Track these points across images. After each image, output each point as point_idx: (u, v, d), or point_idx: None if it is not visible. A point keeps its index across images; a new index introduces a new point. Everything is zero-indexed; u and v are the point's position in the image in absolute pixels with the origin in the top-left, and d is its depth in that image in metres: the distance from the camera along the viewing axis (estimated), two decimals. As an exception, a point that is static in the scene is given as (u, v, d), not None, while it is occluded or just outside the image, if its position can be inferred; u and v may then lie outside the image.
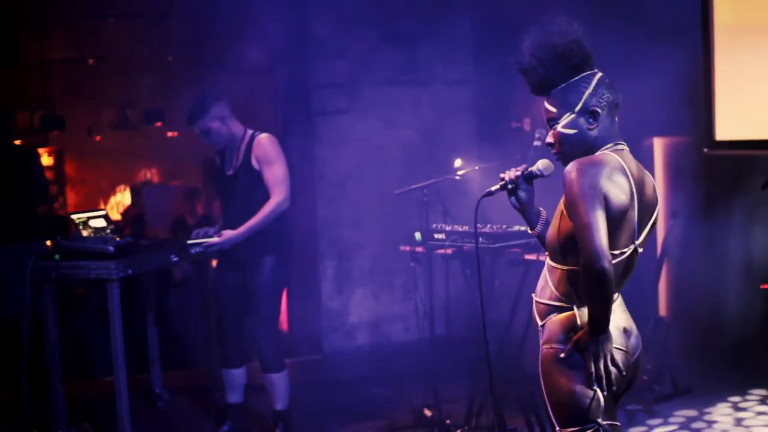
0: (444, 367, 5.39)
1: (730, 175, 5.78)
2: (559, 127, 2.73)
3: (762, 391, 5.45)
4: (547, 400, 2.70)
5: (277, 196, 4.74)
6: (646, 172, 2.75)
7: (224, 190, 4.92)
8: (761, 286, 5.53)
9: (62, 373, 4.91)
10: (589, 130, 2.71)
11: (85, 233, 4.93)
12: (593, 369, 2.60)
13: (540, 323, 2.78)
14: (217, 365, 5.23)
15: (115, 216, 10.44)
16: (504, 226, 4.53)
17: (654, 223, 2.74)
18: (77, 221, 4.96)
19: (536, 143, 4.30)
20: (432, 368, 5.11)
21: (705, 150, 5.63)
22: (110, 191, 12.17)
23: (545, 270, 2.80)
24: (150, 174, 12.26)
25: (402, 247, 5.10)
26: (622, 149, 2.72)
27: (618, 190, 2.59)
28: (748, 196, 5.66)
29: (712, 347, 5.84)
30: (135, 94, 11.12)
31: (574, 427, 2.64)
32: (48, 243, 5.57)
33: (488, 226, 4.57)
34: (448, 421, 4.88)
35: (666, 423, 5.09)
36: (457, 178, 4.92)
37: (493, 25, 6.52)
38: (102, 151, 11.75)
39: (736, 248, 5.77)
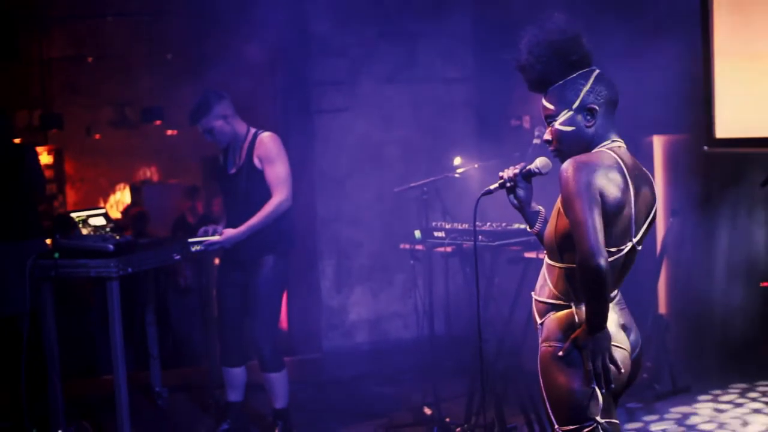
0: (443, 365, 5.39)
1: (731, 172, 5.77)
2: (557, 125, 2.73)
3: (762, 388, 5.46)
4: (546, 398, 2.70)
5: (279, 195, 4.73)
6: (644, 169, 2.75)
7: (226, 188, 4.91)
8: (761, 284, 5.53)
9: (61, 371, 4.91)
10: (587, 127, 2.71)
11: (84, 232, 4.93)
12: (591, 367, 2.60)
13: (539, 321, 2.78)
14: (217, 363, 5.23)
15: (115, 214, 10.43)
16: (503, 224, 4.53)
17: (652, 221, 2.74)
18: (77, 220, 4.96)
19: (536, 141, 4.32)
20: (431, 366, 5.11)
21: (705, 148, 5.63)
22: (110, 190, 12.18)
23: (544, 268, 2.81)
24: (149, 172, 12.26)
25: (401, 245, 5.10)
26: (620, 146, 2.72)
27: (614, 187, 2.59)
28: (748, 194, 5.66)
29: (711, 345, 5.84)
30: (134, 93, 11.11)
31: (572, 424, 2.64)
32: (47, 241, 5.57)
33: (488, 224, 4.57)
34: (447, 420, 4.88)
35: (662, 419, 5.10)
36: (457, 176, 4.92)
37: (492, 22, 6.52)
38: (101, 149, 11.75)
39: (735, 246, 5.77)
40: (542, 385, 2.71)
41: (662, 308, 6.03)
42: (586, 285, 2.55)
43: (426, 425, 5.01)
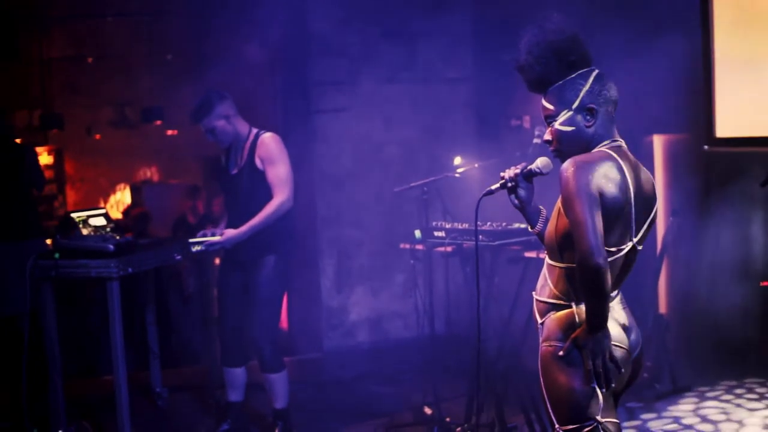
0: (444, 365, 5.39)
1: (732, 171, 5.77)
2: (557, 125, 2.73)
3: (762, 388, 5.46)
4: (546, 397, 2.71)
5: (280, 196, 4.73)
6: (644, 168, 2.76)
7: (228, 188, 4.92)
8: (761, 284, 5.53)
9: (62, 371, 4.91)
10: (587, 127, 2.71)
11: (85, 232, 4.93)
12: (592, 366, 2.60)
13: (539, 321, 2.78)
14: (218, 364, 5.23)
15: (116, 215, 10.43)
16: (504, 224, 4.53)
17: (653, 221, 2.74)
18: (77, 220, 4.96)
19: (536, 141, 4.33)
20: (432, 366, 5.11)
21: (705, 147, 5.63)
22: (110, 190, 12.18)
23: (544, 268, 2.81)
24: (149, 172, 12.27)
25: (402, 245, 5.10)
26: (620, 146, 2.72)
27: (614, 187, 2.60)
28: (748, 193, 5.66)
29: (711, 345, 5.84)
30: (134, 93, 11.12)
31: (573, 424, 2.64)
32: (48, 241, 5.57)
33: (488, 223, 4.57)
34: (447, 419, 4.88)
35: (659, 417, 5.10)
36: (457, 175, 4.92)
37: (492, 22, 6.52)
38: (101, 149, 11.75)
39: (736, 245, 5.77)
40: (543, 384, 2.71)
41: (662, 308, 6.03)
42: (586, 284, 2.55)
43: (426, 425, 5.00)
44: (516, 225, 4.48)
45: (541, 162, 2.84)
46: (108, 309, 4.66)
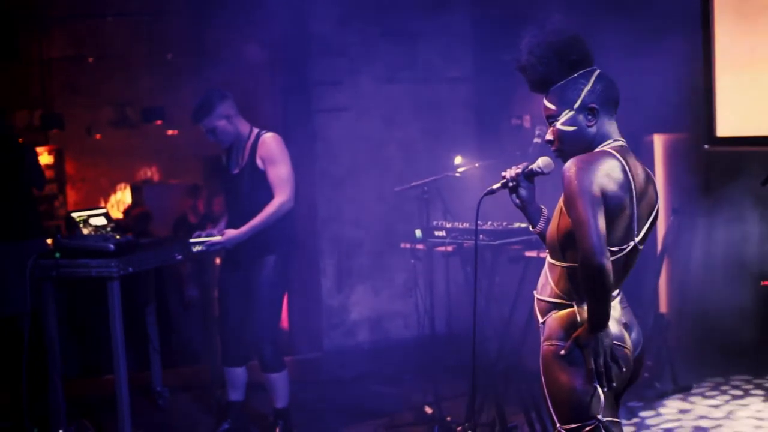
0: (444, 365, 5.39)
1: (732, 170, 5.77)
2: (559, 125, 2.73)
3: (763, 387, 5.46)
4: (547, 396, 2.70)
5: (281, 196, 4.73)
6: (646, 168, 2.76)
7: (229, 188, 4.91)
8: (761, 283, 5.53)
9: (62, 371, 4.91)
10: (588, 127, 2.71)
11: (85, 231, 4.93)
12: (593, 365, 2.60)
13: (541, 320, 2.78)
14: (218, 363, 5.23)
15: (116, 215, 10.44)
16: (504, 223, 4.53)
17: (654, 220, 2.74)
18: (78, 219, 4.96)
19: (536, 140, 4.33)
20: (432, 365, 5.11)
21: (705, 146, 5.63)
22: (110, 190, 12.18)
23: (545, 267, 2.81)
24: (150, 172, 12.26)
25: (402, 245, 5.10)
26: (622, 145, 2.72)
27: (616, 186, 2.60)
28: (748, 192, 5.66)
29: (712, 344, 5.84)
30: (134, 93, 11.12)
31: (574, 423, 2.64)
32: (48, 241, 5.57)
33: (488, 223, 4.57)
34: (448, 418, 4.88)
35: (660, 416, 5.11)
36: (457, 175, 4.92)
37: (492, 21, 6.52)
38: (102, 149, 11.75)
39: (736, 245, 5.77)
40: (544, 383, 2.71)
41: (663, 307, 6.03)
42: (588, 284, 2.55)
43: (427, 424, 5.00)
44: (517, 224, 4.48)
45: (542, 161, 2.84)
46: (108, 309, 4.66)
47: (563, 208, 2.67)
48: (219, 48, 7.55)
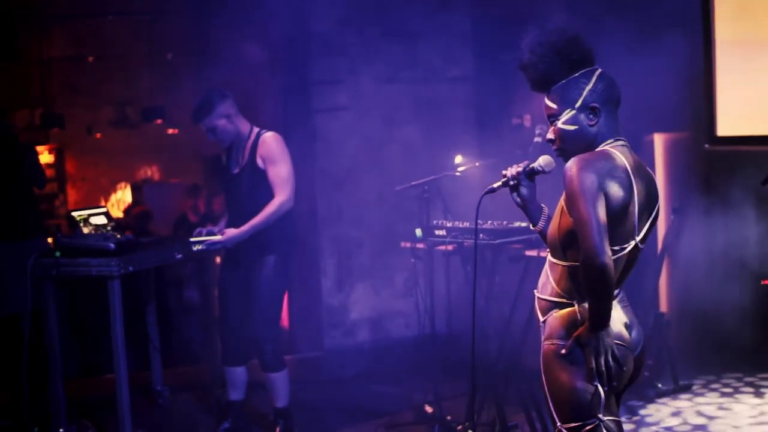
0: (445, 364, 5.39)
1: (733, 170, 5.77)
2: (560, 124, 2.74)
3: (763, 386, 5.46)
4: (548, 395, 2.71)
5: (281, 195, 4.73)
6: (647, 167, 2.76)
7: (229, 188, 4.91)
8: (762, 282, 5.53)
9: (63, 370, 4.91)
10: (590, 126, 2.72)
11: (86, 230, 4.93)
12: (594, 364, 2.60)
13: (541, 319, 2.78)
14: (219, 363, 5.23)
15: (117, 214, 10.44)
16: (504, 223, 4.53)
17: (655, 219, 2.75)
18: (78, 219, 4.96)
19: (537, 139, 4.33)
20: (433, 365, 5.11)
21: (706, 146, 5.63)
22: (111, 189, 12.18)
23: (546, 266, 2.81)
24: (150, 172, 12.27)
25: (402, 244, 5.10)
26: (623, 145, 2.72)
27: (618, 185, 2.60)
28: (748, 192, 5.66)
29: (712, 343, 5.84)
30: (135, 92, 11.12)
31: (575, 422, 2.64)
32: (49, 240, 5.57)
33: (489, 222, 4.57)
34: (448, 418, 4.88)
35: (658, 413, 5.11)
36: (458, 174, 4.92)
37: (492, 21, 6.52)
38: (102, 148, 11.75)
39: (736, 244, 5.77)
40: (545, 382, 2.71)
41: (663, 306, 6.03)
42: (590, 283, 2.55)
43: (427, 424, 5.01)
44: (517, 224, 4.48)
45: (543, 160, 2.84)
46: (109, 308, 4.66)
47: (564, 207, 2.68)
48: (219, 47, 7.54)
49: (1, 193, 5.74)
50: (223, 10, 7.13)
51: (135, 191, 11.58)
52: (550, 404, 2.70)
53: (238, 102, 4.88)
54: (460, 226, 4.66)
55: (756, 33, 5.32)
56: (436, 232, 4.76)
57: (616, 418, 2.70)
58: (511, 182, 2.90)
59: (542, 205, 2.94)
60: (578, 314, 2.68)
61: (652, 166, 6.02)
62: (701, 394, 5.41)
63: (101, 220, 5.05)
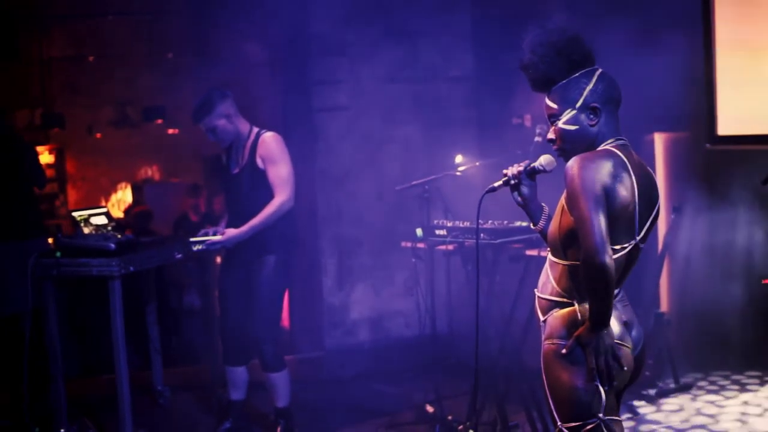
0: (445, 364, 5.39)
1: (733, 169, 5.77)
2: (561, 124, 2.74)
3: (763, 385, 5.46)
4: (549, 395, 2.71)
5: (281, 195, 4.73)
6: (647, 167, 2.76)
7: (229, 188, 4.91)
8: (762, 281, 5.53)
9: (64, 370, 4.91)
10: (590, 126, 2.72)
11: (86, 230, 4.93)
12: (594, 364, 2.60)
13: (542, 319, 2.78)
14: (219, 362, 5.23)
15: (117, 214, 10.44)
16: (505, 222, 4.53)
17: (655, 219, 2.75)
18: (78, 219, 4.96)
19: (537, 139, 4.33)
20: (433, 364, 5.11)
21: (707, 145, 5.63)
22: (111, 189, 12.18)
23: (546, 265, 2.81)
24: (150, 171, 12.27)
25: (403, 243, 5.10)
26: (624, 144, 2.73)
27: (619, 185, 2.60)
28: (749, 191, 5.66)
29: (713, 342, 5.84)
30: (135, 92, 11.12)
31: (575, 422, 2.65)
32: (49, 240, 5.57)
33: (489, 222, 4.57)
34: (449, 417, 4.88)
35: (659, 412, 5.11)
36: (458, 174, 4.92)
37: (493, 21, 6.51)
38: (102, 148, 11.75)
39: (737, 243, 5.77)
40: (545, 382, 2.71)
41: (664, 306, 6.03)
42: (590, 282, 2.55)
43: (428, 423, 5.01)
44: (518, 223, 4.48)
45: (544, 159, 2.84)
46: (109, 308, 4.66)
47: (565, 206, 2.68)
48: (220, 47, 7.55)
49: (1, 193, 5.73)
50: (224, 10, 7.13)
51: (135, 191, 11.57)
52: (551, 404, 2.70)
53: (238, 102, 4.88)
54: (461, 225, 4.66)
55: (757, 32, 5.31)
56: (437, 232, 4.76)
57: (617, 418, 2.70)
58: (512, 181, 2.90)
59: (543, 204, 2.94)
60: (578, 314, 2.68)
61: (653, 165, 6.02)
62: (702, 393, 5.41)
63: (102, 220, 5.05)
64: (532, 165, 2.87)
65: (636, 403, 5.19)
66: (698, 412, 5.11)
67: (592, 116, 2.71)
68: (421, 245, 4.89)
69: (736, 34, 5.41)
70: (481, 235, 4.44)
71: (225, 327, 4.96)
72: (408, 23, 6.65)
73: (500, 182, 2.92)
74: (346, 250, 6.66)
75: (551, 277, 2.76)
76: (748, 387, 5.49)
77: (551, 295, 2.75)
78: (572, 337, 2.64)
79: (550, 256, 2.80)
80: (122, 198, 12.06)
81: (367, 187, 6.58)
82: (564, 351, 2.65)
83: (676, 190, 5.94)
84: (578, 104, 2.71)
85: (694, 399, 5.33)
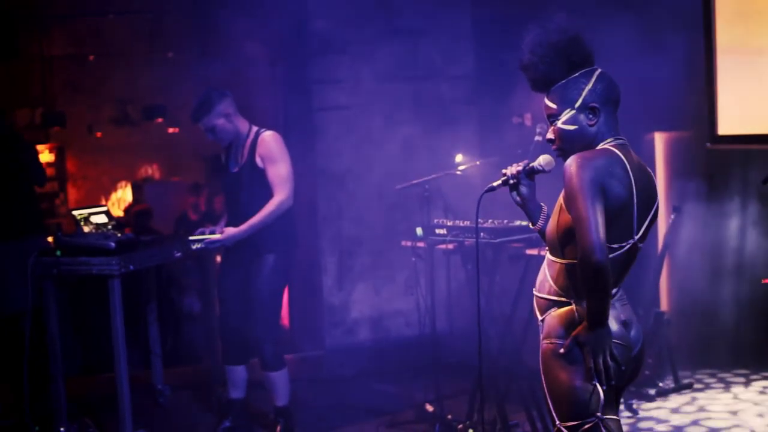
0: (445, 363, 5.39)
1: (734, 169, 5.77)
2: (560, 124, 2.74)
3: (764, 384, 5.46)
4: (547, 394, 2.71)
5: (280, 194, 4.73)
6: (646, 166, 2.76)
7: (229, 187, 4.91)
8: (762, 281, 5.52)
9: (64, 369, 4.91)
10: (589, 126, 2.72)
11: (86, 229, 4.92)
12: (592, 363, 2.60)
13: (540, 318, 2.78)
14: (219, 361, 5.23)
15: (117, 212, 10.44)
16: (505, 221, 4.53)
17: (653, 218, 2.75)
18: (78, 217, 4.96)
19: (537, 138, 4.33)
20: (433, 363, 5.11)
21: (707, 145, 5.62)
22: (111, 187, 12.18)
23: (544, 264, 2.82)
24: (151, 170, 12.27)
25: (403, 243, 5.10)
26: (623, 143, 2.73)
27: (617, 183, 2.61)
28: (749, 191, 5.66)
29: (712, 342, 5.84)
30: (135, 91, 11.11)
31: (573, 421, 2.65)
32: (49, 239, 5.56)
33: (489, 221, 4.57)
34: (449, 417, 4.88)
35: (658, 410, 5.11)
36: (458, 173, 4.92)
37: (493, 20, 6.51)
38: (103, 147, 11.75)
39: (737, 243, 5.77)
40: (544, 381, 2.72)
41: (664, 305, 6.02)
42: (587, 281, 2.55)
43: (428, 422, 5.01)
44: (518, 222, 4.48)
45: (543, 159, 2.84)
46: (109, 307, 4.66)
47: (563, 205, 2.68)
48: (220, 46, 7.54)
49: (1, 192, 5.73)
50: (224, 9, 7.13)
51: (136, 190, 11.57)
52: (550, 403, 2.70)
53: (238, 101, 4.88)
54: (461, 224, 4.66)
55: (757, 32, 5.31)
56: (437, 231, 4.76)
57: (615, 417, 2.70)
58: (511, 181, 2.90)
59: (541, 203, 2.94)
60: (576, 313, 2.68)
61: (653, 164, 6.02)
62: (702, 393, 5.41)
63: (102, 218, 5.04)
64: (530, 165, 2.87)
65: (635, 402, 5.19)
66: (698, 412, 5.10)
67: (591, 116, 2.71)
68: (421, 244, 4.89)
69: (736, 33, 5.41)
70: (481, 234, 4.44)
71: (224, 326, 4.96)
72: (408, 22, 6.65)
73: (499, 182, 2.92)
74: (346, 249, 6.66)
75: (549, 276, 2.76)
76: (748, 386, 5.49)
77: (549, 294, 2.75)
78: (570, 337, 2.64)
79: (548, 255, 2.80)
80: (122, 197, 12.06)
81: (367, 186, 6.58)
82: (562, 350, 2.65)
83: (677, 189, 5.93)
84: (577, 104, 2.71)
85: (694, 398, 5.33)
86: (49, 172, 9.76)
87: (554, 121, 2.76)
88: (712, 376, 5.69)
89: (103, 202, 11.50)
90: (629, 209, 2.64)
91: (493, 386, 4.67)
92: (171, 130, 11.08)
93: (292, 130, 6.43)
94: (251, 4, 6.21)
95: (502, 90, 6.19)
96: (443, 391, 5.02)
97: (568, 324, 2.68)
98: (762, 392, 5.37)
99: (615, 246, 2.64)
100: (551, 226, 2.77)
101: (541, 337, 2.75)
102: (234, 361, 4.94)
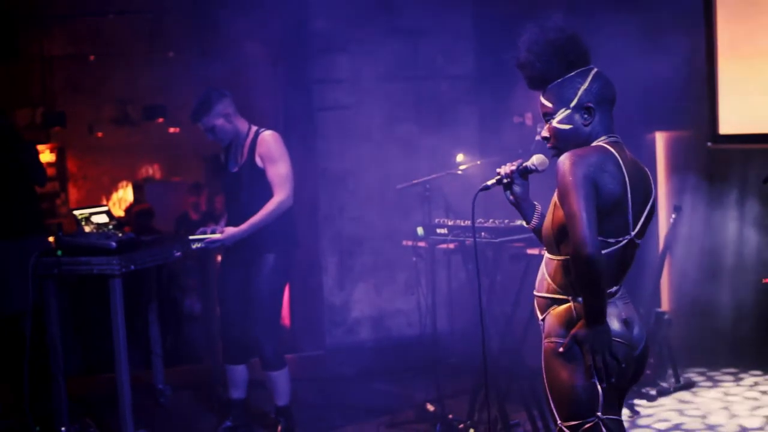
0: (446, 362, 5.39)
1: (735, 168, 5.77)
2: (555, 122, 2.75)
3: (764, 384, 5.46)
4: (548, 393, 2.71)
5: (280, 194, 4.73)
6: (640, 163, 2.77)
7: (228, 187, 4.91)
8: (763, 281, 5.53)
9: (65, 369, 4.91)
10: (584, 125, 2.73)
11: (87, 229, 4.92)
12: (591, 361, 2.60)
13: (540, 317, 2.78)
14: (220, 361, 5.23)
15: (118, 212, 10.44)
16: (506, 221, 4.53)
17: (650, 214, 2.75)
18: (79, 217, 4.96)
19: (538, 138, 4.31)
20: (434, 363, 5.11)
21: (708, 144, 5.62)
22: (112, 187, 12.18)
23: (542, 263, 2.82)
24: (151, 170, 12.27)
25: (404, 242, 5.10)
26: (616, 141, 2.73)
27: (610, 179, 2.61)
28: (750, 190, 5.65)
29: (713, 341, 5.84)
30: (136, 91, 11.12)
31: (574, 420, 2.64)
32: (50, 239, 5.56)
33: (490, 220, 4.57)
34: (450, 416, 4.88)
35: (659, 411, 5.11)
36: (459, 172, 4.92)
37: (494, 19, 6.51)
38: (103, 147, 11.76)
39: (738, 242, 5.77)
40: (545, 380, 2.72)
41: (665, 305, 6.02)
42: (580, 276, 2.56)
43: (429, 422, 5.01)
44: (518, 222, 4.47)
45: (536, 159, 2.85)
46: (110, 307, 4.66)
47: (557, 202, 2.69)
48: (220, 46, 7.55)
49: (2, 192, 5.73)
50: (224, 9, 7.13)
51: (136, 190, 11.58)
52: (551, 402, 2.70)
53: (238, 101, 4.88)
54: (462, 224, 4.66)
55: (758, 32, 5.31)
56: (438, 231, 4.76)
57: (616, 417, 2.69)
58: (505, 180, 2.91)
59: (535, 203, 2.95)
60: (574, 310, 2.68)
61: (654, 164, 6.02)
62: (703, 392, 5.41)
63: (103, 218, 5.04)
64: (524, 164, 2.89)
65: (636, 401, 5.19)
66: (699, 411, 5.10)
67: (586, 116, 2.72)
68: (422, 244, 4.89)
69: (737, 33, 5.41)
70: (482, 233, 4.44)
71: (225, 325, 4.96)
72: (409, 22, 6.65)
73: (493, 181, 2.93)
74: (347, 248, 6.66)
75: (547, 274, 2.77)
76: (749, 386, 5.49)
77: (547, 292, 2.75)
78: (569, 336, 2.64)
79: (545, 254, 2.81)
80: (123, 196, 12.07)
81: (367, 185, 6.58)
82: (561, 349, 2.65)
83: (678, 188, 5.93)
84: (573, 103, 2.72)
85: (694, 398, 5.33)
86: (50, 172, 9.76)
87: (550, 120, 2.76)
88: (713, 375, 5.69)
89: (104, 202, 11.51)
90: (623, 205, 2.65)
91: (494, 385, 4.67)
92: (171, 130, 11.08)
93: (293, 130, 6.43)
94: (251, 4, 6.21)
95: (502, 89, 6.19)
96: (444, 391, 5.02)
97: (567, 322, 2.68)
98: (763, 392, 5.37)
99: (611, 241, 2.65)
100: (547, 223, 2.78)
101: (543, 336, 2.75)
102: (234, 361, 4.93)
